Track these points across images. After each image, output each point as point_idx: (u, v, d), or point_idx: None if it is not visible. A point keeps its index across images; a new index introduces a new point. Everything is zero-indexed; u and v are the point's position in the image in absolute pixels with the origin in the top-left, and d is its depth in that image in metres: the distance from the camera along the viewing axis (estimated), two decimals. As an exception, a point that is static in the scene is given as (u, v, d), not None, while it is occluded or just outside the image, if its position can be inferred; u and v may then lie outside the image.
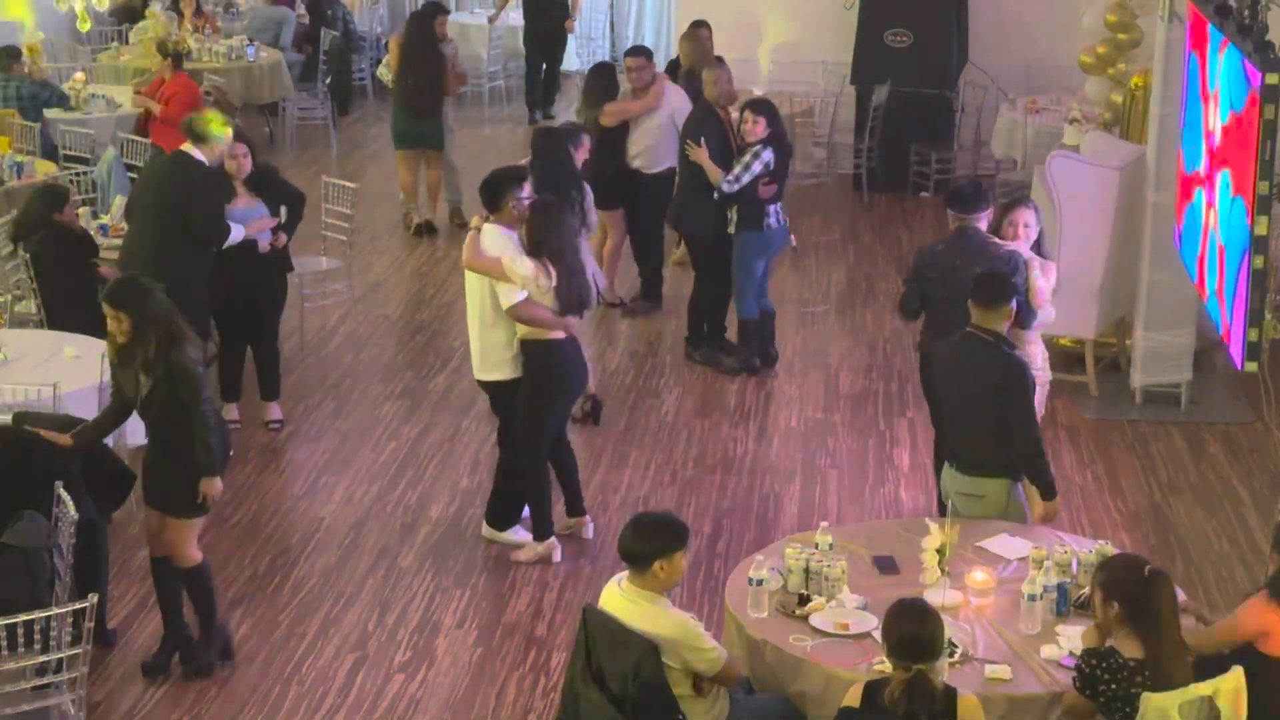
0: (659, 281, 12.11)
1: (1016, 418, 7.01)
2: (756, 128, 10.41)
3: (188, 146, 9.34)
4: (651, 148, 11.63)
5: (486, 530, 8.61)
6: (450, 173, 13.93)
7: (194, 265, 9.24)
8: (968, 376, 7.17)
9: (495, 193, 8.17)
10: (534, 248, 8.02)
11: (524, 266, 7.96)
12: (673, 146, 11.31)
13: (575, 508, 8.64)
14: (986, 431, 7.07)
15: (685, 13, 16.22)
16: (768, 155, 10.42)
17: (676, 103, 11.61)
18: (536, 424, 8.22)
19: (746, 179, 10.42)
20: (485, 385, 8.42)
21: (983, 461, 7.11)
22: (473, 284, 8.19)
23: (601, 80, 12.06)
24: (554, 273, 7.98)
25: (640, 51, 12.04)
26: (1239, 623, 5.92)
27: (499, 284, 8.00)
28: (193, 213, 9.23)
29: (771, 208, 10.56)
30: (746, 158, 10.41)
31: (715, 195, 10.56)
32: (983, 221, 8.17)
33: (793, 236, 11.05)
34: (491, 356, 8.22)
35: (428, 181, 13.87)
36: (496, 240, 8.06)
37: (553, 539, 8.39)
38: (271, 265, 9.74)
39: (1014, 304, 7.18)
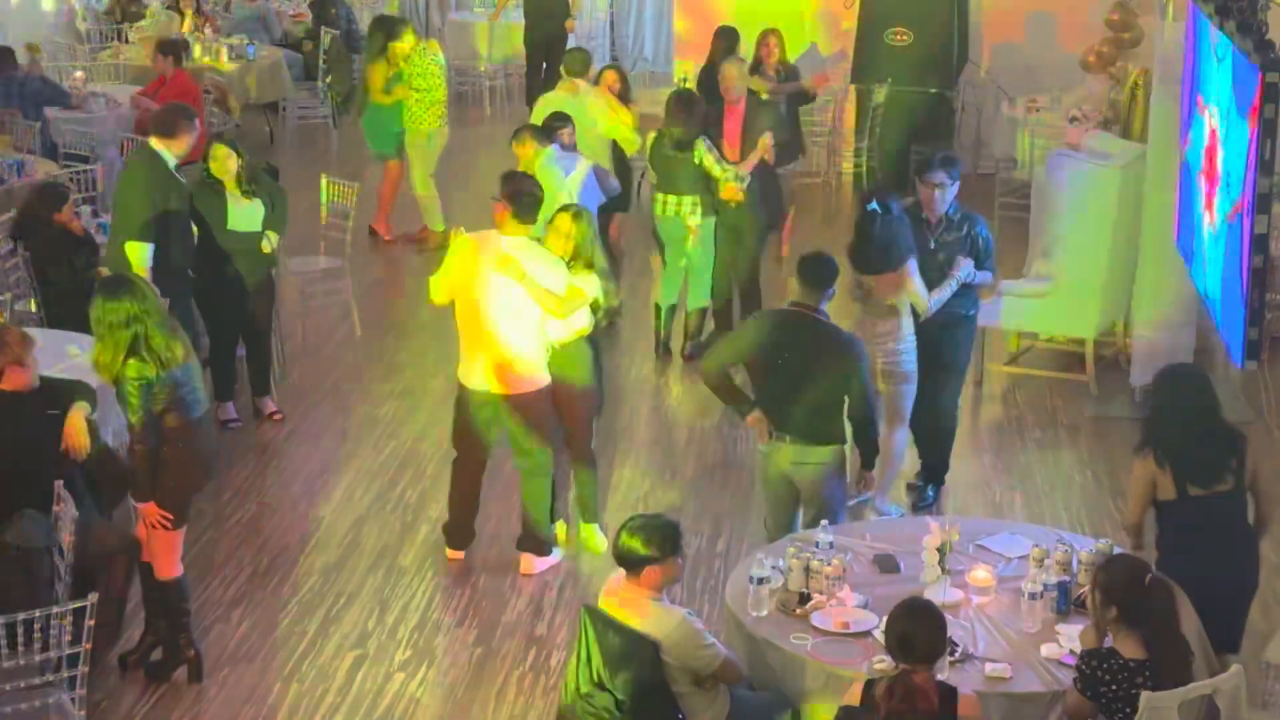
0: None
1: (860, 393, 7.31)
2: None
3: (154, 141, 9.36)
4: None
5: (534, 564, 8.32)
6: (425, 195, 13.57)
7: (161, 261, 9.22)
8: (798, 353, 7.28)
9: (537, 205, 8.07)
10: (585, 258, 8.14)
11: (594, 284, 8.12)
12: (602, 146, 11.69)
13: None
14: (822, 403, 7.29)
15: (685, 12, 16.26)
16: None
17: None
18: (593, 416, 8.46)
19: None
20: (519, 399, 8.00)
21: (818, 431, 7.33)
22: (509, 297, 7.86)
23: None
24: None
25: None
26: (1136, 488, 6.63)
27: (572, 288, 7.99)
28: (119, 204, 9.37)
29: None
30: None
31: None
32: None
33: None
34: (530, 365, 7.99)
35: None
36: (540, 254, 8.02)
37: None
38: (260, 261, 9.77)
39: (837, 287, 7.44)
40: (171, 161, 9.28)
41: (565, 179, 9.88)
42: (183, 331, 7.09)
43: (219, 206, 9.54)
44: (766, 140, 10.78)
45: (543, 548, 8.30)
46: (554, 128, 10.40)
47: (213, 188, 9.57)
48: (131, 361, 6.72)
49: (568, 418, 8.27)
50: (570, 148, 10.44)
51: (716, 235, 11.02)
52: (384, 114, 13.28)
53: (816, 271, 7.37)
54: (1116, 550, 6.42)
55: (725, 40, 12.94)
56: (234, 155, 9.58)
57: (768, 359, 7.39)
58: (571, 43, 18.23)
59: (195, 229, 9.58)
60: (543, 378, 8.05)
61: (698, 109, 10.83)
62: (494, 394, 8.03)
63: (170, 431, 6.85)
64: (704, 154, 10.63)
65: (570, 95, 11.79)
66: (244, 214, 9.60)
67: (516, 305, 7.87)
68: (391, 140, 13.43)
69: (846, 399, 7.33)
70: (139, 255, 9.12)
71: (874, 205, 8.04)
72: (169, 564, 7.11)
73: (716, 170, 10.65)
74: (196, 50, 15.93)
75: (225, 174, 9.56)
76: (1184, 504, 6.49)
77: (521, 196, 7.97)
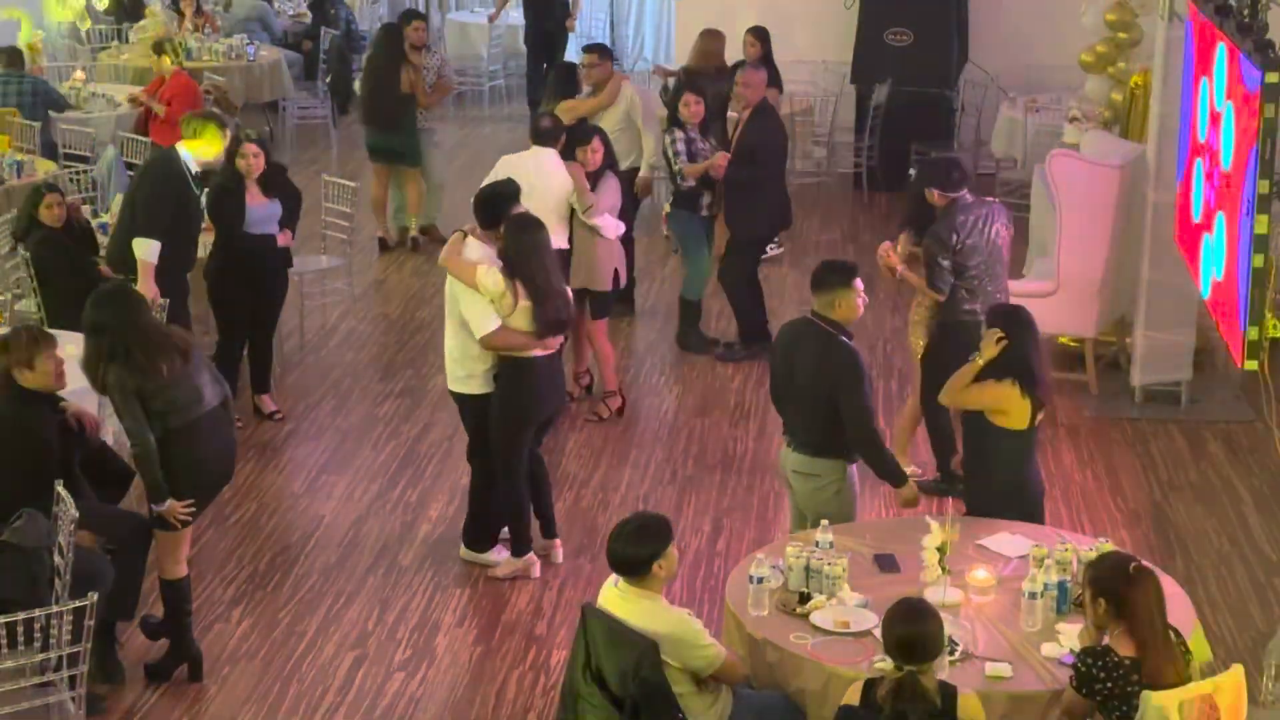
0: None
1: (848, 410, 7.10)
2: None
3: (180, 144, 9.38)
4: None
5: (464, 552, 8.36)
6: (432, 191, 13.54)
7: (164, 261, 9.24)
8: (800, 361, 7.24)
9: (494, 210, 8.00)
10: (507, 268, 7.81)
11: (494, 280, 7.72)
12: (632, 143, 11.52)
13: (548, 530, 8.41)
14: (818, 415, 7.17)
15: (685, 13, 16.25)
16: None
17: (631, 100, 11.60)
18: (512, 442, 8.03)
19: None
20: (456, 397, 8.15)
21: (816, 443, 7.22)
22: (453, 292, 7.93)
23: (562, 76, 12.06)
24: (523, 294, 7.75)
25: (595, 49, 12.01)
26: (985, 395, 7.03)
27: (470, 311, 7.78)
28: (136, 199, 9.34)
29: None
30: None
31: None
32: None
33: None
34: (466, 368, 7.98)
35: (405, 199, 13.53)
36: (477, 252, 7.96)
37: (531, 554, 8.23)
38: (277, 260, 9.80)
39: (854, 293, 7.18)
40: (193, 166, 9.32)
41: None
42: (176, 336, 7.10)
43: (238, 205, 9.56)
44: (720, 158, 10.73)
45: (477, 544, 8.31)
46: (577, 138, 10.09)
47: (234, 186, 9.59)
48: (113, 368, 6.79)
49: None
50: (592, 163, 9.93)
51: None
52: (416, 119, 13.26)
53: (814, 278, 7.34)
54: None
55: (762, 40, 12.87)
56: (262, 154, 9.65)
57: (778, 364, 7.41)
58: (571, 42, 18.30)
59: (213, 226, 9.63)
60: (480, 385, 7.99)
61: (669, 97, 10.88)
62: (450, 390, 8.19)
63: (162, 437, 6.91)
64: (666, 145, 10.80)
65: (630, 90, 11.75)
66: (261, 213, 9.63)
67: (457, 306, 7.90)
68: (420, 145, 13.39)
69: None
70: (145, 250, 9.16)
71: (911, 170, 8.18)
72: (167, 564, 7.14)
73: (674, 165, 10.77)
74: (195, 50, 15.92)
75: (251, 173, 9.59)
76: (1029, 434, 7.04)
77: (478, 203, 8.11)
